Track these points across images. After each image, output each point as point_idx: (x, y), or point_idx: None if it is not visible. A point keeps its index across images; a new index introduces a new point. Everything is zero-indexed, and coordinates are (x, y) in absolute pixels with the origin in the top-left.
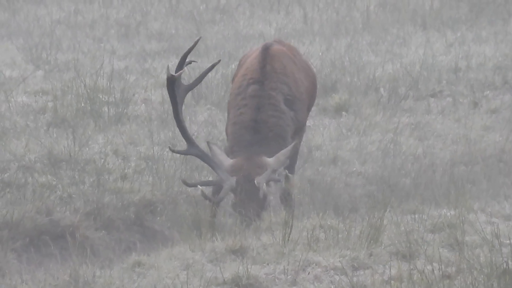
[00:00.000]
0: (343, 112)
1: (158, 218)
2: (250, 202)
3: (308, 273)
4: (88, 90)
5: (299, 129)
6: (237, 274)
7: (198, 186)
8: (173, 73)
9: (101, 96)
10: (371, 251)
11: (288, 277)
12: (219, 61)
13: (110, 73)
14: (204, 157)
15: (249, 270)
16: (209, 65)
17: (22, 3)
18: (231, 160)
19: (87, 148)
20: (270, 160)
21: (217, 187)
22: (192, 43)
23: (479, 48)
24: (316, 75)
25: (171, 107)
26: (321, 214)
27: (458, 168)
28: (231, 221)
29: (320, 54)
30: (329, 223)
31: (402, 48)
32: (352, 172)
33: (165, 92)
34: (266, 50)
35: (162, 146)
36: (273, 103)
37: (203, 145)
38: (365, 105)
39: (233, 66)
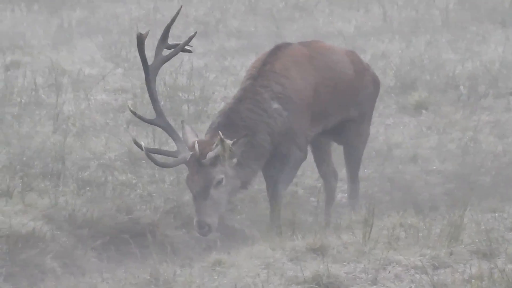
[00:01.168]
0: (423, 110)
1: (238, 216)
2: (199, 177)
3: (389, 272)
4: (168, 88)
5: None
6: (317, 273)
7: (143, 148)
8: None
9: (180, 94)
10: (451, 250)
11: (369, 276)
12: (195, 33)
13: (190, 71)
14: (168, 129)
15: (330, 268)
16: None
17: (101, 1)
18: (195, 138)
19: (166, 147)
20: (227, 141)
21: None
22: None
23: None
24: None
25: None
26: (401, 213)
27: None
28: (312, 220)
29: (400, 52)
30: (409, 222)
31: (482, 46)
32: (432, 170)
33: None
34: (275, 50)
35: None
36: (258, 99)
37: None
38: (444, 103)
39: None
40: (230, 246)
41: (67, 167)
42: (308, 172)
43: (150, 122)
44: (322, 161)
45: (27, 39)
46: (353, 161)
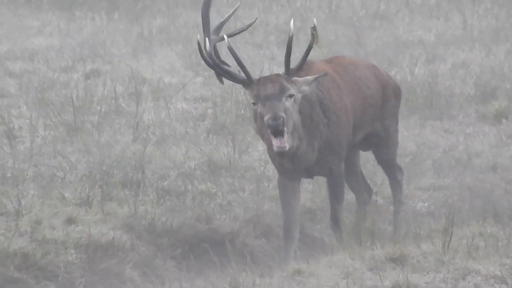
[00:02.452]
0: (503, 119)
1: (318, 225)
2: (274, 83)
3: (468, 282)
4: (248, 96)
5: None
6: (396, 283)
7: (224, 36)
8: None
9: None
10: None
11: (448, 285)
12: (256, 19)
13: None
14: (231, 72)
15: (409, 278)
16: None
17: (181, 9)
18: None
19: (246, 155)
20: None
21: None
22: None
23: None
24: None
25: None
26: (480, 222)
27: None
28: (391, 229)
29: (480, 60)
30: (489, 231)
31: None
32: None
33: None
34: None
35: None
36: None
37: None
38: None
39: (393, 72)
40: (310, 255)
41: (146, 176)
42: (387, 181)
43: (211, 66)
44: (351, 173)
45: (107, 47)
46: (386, 166)
